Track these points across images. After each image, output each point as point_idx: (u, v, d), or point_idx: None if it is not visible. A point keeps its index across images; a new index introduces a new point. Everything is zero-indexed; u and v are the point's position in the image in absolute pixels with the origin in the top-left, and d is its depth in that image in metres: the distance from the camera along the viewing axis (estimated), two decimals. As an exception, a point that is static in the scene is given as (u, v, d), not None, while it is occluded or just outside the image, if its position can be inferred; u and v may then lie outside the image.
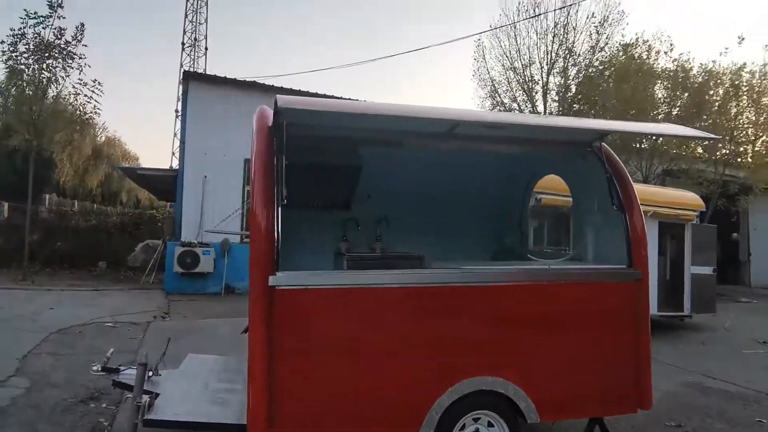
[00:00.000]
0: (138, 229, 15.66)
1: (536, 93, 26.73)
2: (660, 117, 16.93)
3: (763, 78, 16.42)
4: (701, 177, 15.49)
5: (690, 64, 17.76)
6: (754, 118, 16.84)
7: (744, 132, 17.06)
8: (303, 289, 2.85)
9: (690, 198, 8.36)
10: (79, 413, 3.94)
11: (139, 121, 63.17)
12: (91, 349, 5.70)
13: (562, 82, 26.39)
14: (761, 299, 15.01)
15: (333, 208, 4.61)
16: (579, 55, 25.76)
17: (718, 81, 16.91)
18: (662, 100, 17.92)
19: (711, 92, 16.78)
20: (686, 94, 16.83)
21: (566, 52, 25.79)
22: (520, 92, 27.14)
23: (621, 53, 23.50)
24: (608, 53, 24.83)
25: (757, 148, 17.42)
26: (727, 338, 8.61)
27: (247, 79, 11.10)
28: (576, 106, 25.74)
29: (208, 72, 10.83)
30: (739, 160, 16.99)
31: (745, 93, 16.60)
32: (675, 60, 17.14)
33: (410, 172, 4.48)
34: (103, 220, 15.50)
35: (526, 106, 26.58)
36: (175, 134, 36.60)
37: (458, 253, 4.42)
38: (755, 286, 18.45)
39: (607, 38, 25.23)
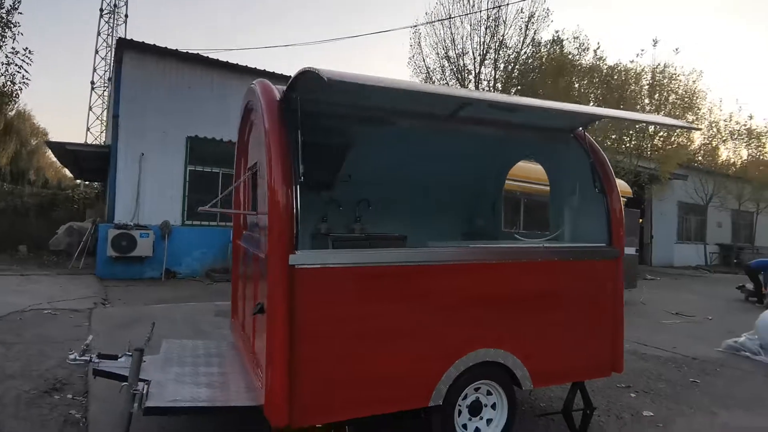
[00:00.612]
0: (53, 211, 14.21)
1: (469, 82, 27.69)
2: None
3: (668, 78, 18.29)
4: (619, 166, 17.03)
5: (617, 64, 19.36)
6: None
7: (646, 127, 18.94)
8: (322, 267, 2.81)
9: (620, 186, 9.19)
10: (46, 406, 3.61)
11: (45, 92, 56.53)
12: (40, 337, 5.20)
13: (494, 73, 27.62)
14: (663, 276, 17.00)
15: (316, 188, 4.54)
16: (509, 47, 27.07)
17: (633, 80, 18.62)
18: (590, 95, 19.25)
19: (629, 89, 18.39)
20: (614, 92, 18.14)
21: (498, 44, 26.94)
22: (454, 81, 27.94)
23: (551, 48, 25.00)
24: (535, 48, 26.32)
25: (655, 142, 19.51)
26: (645, 311, 9.65)
27: (190, 51, 10.39)
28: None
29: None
30: (644, 153, 18.95)
31: (651, 90, 18.46)
32: (601, 58, 18.43)
33: (389, 152, 4.51)
34: (16, 201, 13.88)
35: (460, 96, 27.38)
36: (90, 108, 33.36)
37: (432, 234, 4.54)
38: (656, 265, 20.89)
39: (535, 33, 26.71)
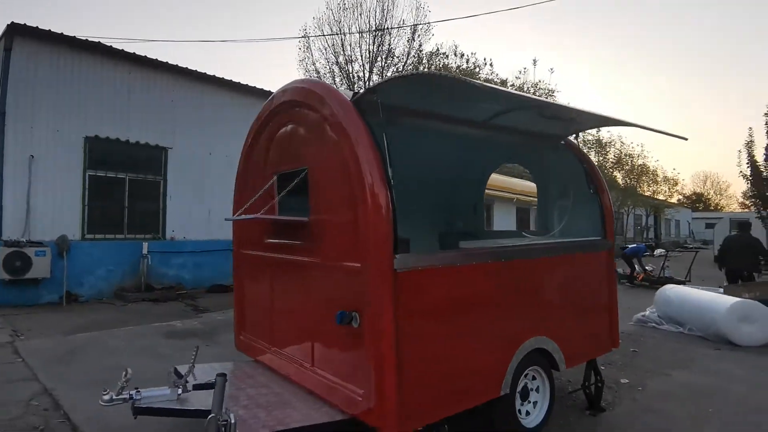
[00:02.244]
0: None
1: (360, 90, 28.30)
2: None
3: (546, 93, 20.95)
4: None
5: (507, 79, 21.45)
6: None
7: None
8: (421, 269, 2.83)
9: (531, 186, 10.37)
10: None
11: None
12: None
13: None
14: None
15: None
16: (396, 56, 28.34)
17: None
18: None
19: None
20: None
21: (386, 53, 28.02)
22: (344, 87, 28.36)
23: (434, 60, 26.75)
24: (419, 59, 27.95)
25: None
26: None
27: (91, 39, 9.01)
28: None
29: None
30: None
31: None
32: (492, 73, 20.16)
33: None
34: None
35: (351, 101, 27.88)
36: None
37: (414, 235, 4.72)
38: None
39: (420, 46, 28.38)
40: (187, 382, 3.07)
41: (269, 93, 12.61)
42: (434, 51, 29.18)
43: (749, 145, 12.70)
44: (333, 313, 2.94)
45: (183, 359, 5.35)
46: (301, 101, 3.30)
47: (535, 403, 3.67)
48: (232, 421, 2.55)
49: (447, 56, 23.07)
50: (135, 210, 9.95)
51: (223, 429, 2.53)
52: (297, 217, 3.39)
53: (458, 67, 23.68)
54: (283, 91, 3.56)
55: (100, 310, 8.38)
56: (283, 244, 3.64)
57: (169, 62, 10.17)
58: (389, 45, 28.11)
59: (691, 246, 34.09)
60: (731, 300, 6.82)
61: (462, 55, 24.36)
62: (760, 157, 12.27)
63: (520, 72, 25.52)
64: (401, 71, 28.28)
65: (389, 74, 28.66)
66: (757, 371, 5.42)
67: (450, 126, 3.86)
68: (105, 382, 4.51)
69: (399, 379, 2.67)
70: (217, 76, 11.15)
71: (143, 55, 9.88)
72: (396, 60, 28.39)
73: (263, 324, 3.90)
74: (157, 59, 10.02)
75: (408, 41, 27.85)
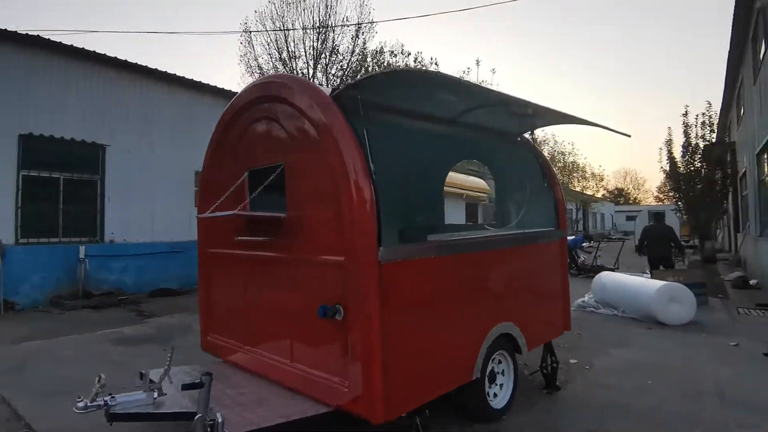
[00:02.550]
0: None
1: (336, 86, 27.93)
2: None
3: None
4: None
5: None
6: None
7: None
8: (402, 261, 2.94)
9: (483, 184, 10.82)
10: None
11: None
12: None
13: (325, 79, 28.44)
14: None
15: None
16: (340, 53, 28.26)
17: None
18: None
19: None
20: None
21: (330, 51, 27.87)
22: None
23: (378, 58, 26.94)
24: (363, 57, 28.06)
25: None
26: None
27: (27, 33, 8.26)
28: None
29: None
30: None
31: None
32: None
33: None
34: None
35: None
36: None
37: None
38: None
39: (365, 44, 28.48)
40: (161, 385, 2.98)
41: (215, 88, 12.29)
42: (378, 49, 29.48)
43: (669, 143, 14.05)
44: (314, 308, 2.98)
45: (140, 365, 5.14)
46: (277, 96, 3.30)
47: (501, 385, 3.90)
48: (220, 420, 2.56)
49: (395, 54, 23.13)
50: (71, 212, 9.30)
51: (209, 429, 2.53)
52: (272, 213, 3.38)
53: (406, 65, 23.95)
54: (256, 85, 3.53)
55: (40, 318, 7.80)
56: (256, 242, 3.61)
57: (108, 54, 9.57)
58: (333, 42, 28.07)
59: (614, 237, 36.83)
60: (659, 283, 7.52)
61: (408, 54, 24.68)
62: (678, 155, 13.61)
63: (464, 72, 26.24)
64: (346, 69, 28.31)
65: (333, 72, 28.58)
66: (685, 346, 6.04)
67: (418, 122, 3.99)
68: (63, 391, 4.32)
69: (384, 368, 2.76)
70: (159, 69, 10.65)
71: (81, 47, 9.24)
72: (340, 57, 28.40)
73: (235, 323, 3.85)
74: (95, 51, 9.40)
75: (352, 38, 27.94)
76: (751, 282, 11.31)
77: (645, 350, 5.85)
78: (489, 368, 3.75)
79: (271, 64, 27.85)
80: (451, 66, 50.44)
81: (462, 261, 3.45)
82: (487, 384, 3.72)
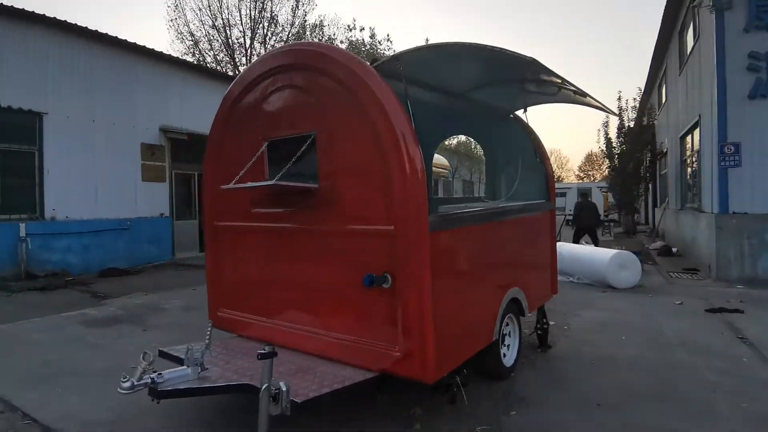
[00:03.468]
0: None
1: (242, 56, 26.70)
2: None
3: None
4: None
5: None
6: None
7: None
8: (447, 230, 3.05)
9: (445, 161, 11.11)
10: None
11: None
12: None
13: (263, 50, 27.26)
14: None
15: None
16: (280, 25, 27.15)
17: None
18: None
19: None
20: None
21: (269, 21, 26.67)
22: (223, 54, 26.48)
23: (317, 32, 26.22)
24: (302, 29, 27.20)
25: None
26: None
27: None
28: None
29: None
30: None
31: None
32: (390, 49, 20.10)
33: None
34: None
35: (231, 68, 26.24)
36: None
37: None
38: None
39: (304, 15, 27.57)
40: (203, 360, 2.91)
41: (162, 55, 11.43)
42: (317, 23, 28.64)
43: (605, 125, 15.22)
44: (353, 277, 3.03)
45: (123, 347, 4.90)
46: (308, 64, 3.21)
47: (508, 345, 4.18)
48: (284, 389, 2.55)
49: (351, 29, 22.28)
50: (8, 187, 8.38)
51: (277, 396, 2.53)
52: (304, 183, 3.33)
53: (356, 40, 23.50)
54: (281, 53, 3.40)
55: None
56: (280, 213, 3.54)
57: (47, 15, 8.55)
58: (272, 11, 26.88)
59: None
60: (611, 252, 8.26)
61: (362, 29, 24.20)
62: (613, 136, 14.82)
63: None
64: (286, 41, 27.27)
65: (272, 43, 27.41)
66: (639, 306, 6.74)
67: (430, 95, 4.07)
68: (51, 376, 4.03)
69: (435, 331, 2.89)
70: (100, 31, 9.71)
71: (10, 5, 8.16)
72: (279, 29, 27.30)
73: (253, 297, 3.77)
74: (33, 12, 8.36)
75: (293, 9, 26.92)
76: (674, 250, 12.70)
77: (608, 311, 6.46)
78: (502, 330, 4.02)
79: (204, 31, 26.24)
80: (402, 43, 50.36)
81: (485, 230, 3.63)
82: (499, 345, 3.99)
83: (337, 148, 3.18)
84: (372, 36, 18.89)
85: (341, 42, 26.76)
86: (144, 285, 8.65)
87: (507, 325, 4.16)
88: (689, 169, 12.25)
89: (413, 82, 3.75)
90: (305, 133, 3.34)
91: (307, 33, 28.13)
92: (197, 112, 12.32)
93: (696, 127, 10.99)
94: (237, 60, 26.84)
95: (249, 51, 26.90)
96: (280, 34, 27.25)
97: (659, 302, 6.98)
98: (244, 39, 27.13)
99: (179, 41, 27.22)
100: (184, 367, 2.82)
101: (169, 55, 11.26)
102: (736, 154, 8.53)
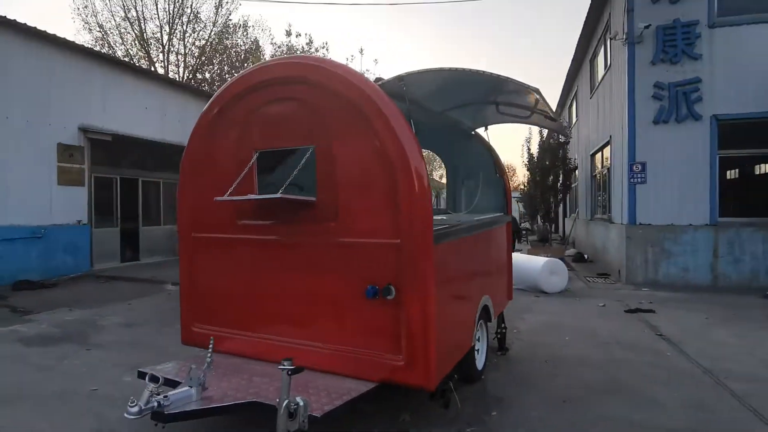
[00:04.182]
0: None
1: (159, 50, 25.13)
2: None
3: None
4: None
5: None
6: None
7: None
8: (441, 243, 3.23)
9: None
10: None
11: None
12: None
13: (183, 48, 25.91)
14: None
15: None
16: (202, 21, 25.97)
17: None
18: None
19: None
20: None
21: (190, 17, 25.41)
22: (137, 50, 24.78)
23: (241, 33, 25.50)
24: (225, 29, 26.29)
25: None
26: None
27: None
28: (200, 75, 25.97)
29: None
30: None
31: None
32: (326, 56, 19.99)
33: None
34: None
35: (145, 64, 24.61)
36: None
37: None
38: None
39: (228, 14, 26.62)
40: (205, 379, 2.81)
41: (84, 48, 10.49)
42: (241, 23, 27.73)
43: (528, 140, 16.53)
44: (354, 289, 3.11)
45: (70, 368, 4.52)
46: (313, 80, 3.23)
47: (478, 350, 4.46)
48: (302, 404, 2.57)
49: (289, 34, 21.41)
50: None
51: (295, 411, 2.54)
52: (299, 196, 3.34)
53: (291, 48, 23.01)
54: (284, 65, 3.39)
55: None
56: (270, 225, 3.50)
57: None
58: (192, 7, 25.59)
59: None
60: (543, 260, 9.00)
61: (299, 35, 23.75)
62: (534, 151, 16.14)
63: (347, 60, 26.20)
64: (208, 40, 26.12)
65: (191, 41, 26.10)
66: (570, 308, 7.44)
67: (407, 110, 4.26)
68: (4, 400, 3.61)
69: (437, 340, 3.05)
70: (16, 20, 8.71)
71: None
72: (201, 26, 26.07)
73: (238, 311, 3.67)
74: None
75: (216, 7, 25.85)
76: (586, 257, 14.05)
77: (546, 314, 7.06)
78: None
79: (114, 22, 24.42)
80: (336, 53, 50.22)
81: (467, 242, 3.87)
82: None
83: (339, 163, 3.23)
84: (309, 42, 18.67)
85: (277, 45, 26.09)
86: (65, 299, 7.88)
87: (478, 330, 4.45)
88: (601, 184, 13.66)
89: (393, 95, 3.92)
90: (303, 146, 3.36)
91: (231, 33, 27.18)
92: (122, 111, 11.46)
93: (606, 146, 12.32)
94: (153, 56, 25.22)
95: (167, 47, 25.38)
96: (201, 32, 26.08)
97: (586, 305, 7.75)
98: (161, 34, 25.57)
99: (87, 31, 24.98)
100: (187, 387, 2.71)
101: (92, 48, 10.35)
102: (642, 172, 9.71)
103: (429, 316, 2.98)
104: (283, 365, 2.52)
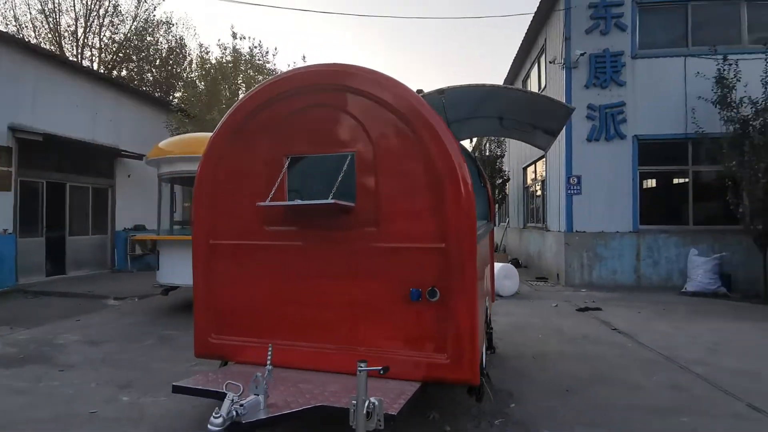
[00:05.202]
0: None
1: (76, 45, 23.04)
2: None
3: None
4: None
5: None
6: None
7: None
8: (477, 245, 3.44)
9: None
10: None
11: None
12: None
13: (99, 43, 24.01)
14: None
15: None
16: (122, 15, 24.28)
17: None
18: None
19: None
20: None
21: (108, 10, 23.66)
22: (49, 42, 22.57)
23: (165, 30, 24.20)
24: (148, 26, 24.83)
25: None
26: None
27: None
28: (116, 72, 24.19)
29: None
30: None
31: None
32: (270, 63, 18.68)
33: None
34: None
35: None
36: None
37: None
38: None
39: (154, 9, 25.11)
40: (266, 386, 2.75)
41: (14, 38, 9.43)
42: (165, 20, 26.21)
43: (474, 150, 17.40)
44: (396, 292, 3.22)
45: (51, 390, 4.14)
46: (355, 87, 3.30)
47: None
48: (377, 404, 2.63)
49: (238, 37, 19.69)
50: None
51: (373, 410, 2.59)
52: (341, 201, 3.37)
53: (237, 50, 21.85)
54: (324, 72, 3.40)
55: None
56: (303, 231, 3.49)
57: None
58: (110, 0, 23.76)
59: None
60: (499, 265, 9.56)
61: (243, 38, 22.87)
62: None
63: (288, 66, 25.54)
64: (127, 35, 24.40)
65: (108, 36, 24.20)
66: (529, 309, 8.00)
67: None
68: None
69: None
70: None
71: None
72: (119, 19, 24.31)
73: (266, 319, 3.58)
74: None
75: (138, 2, 24.24)
76: (520, 262, 15.07)
77: (512, 316, 7.53)
78: (477, 335, 4.54)
79: (30, 15, 22.24)
80: (281, 58, 48.64)
81: (482, 246, 4.12)
82: (477, 348, 4.50)
83: (381, 170, 3.32)
84: (258, 46, 18.02)
85: (223, 47, 24.50)
86: (4, 316, 7.03)
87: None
88: (535, 194, 14.75)
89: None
90: (341, 153, 3.41)
91: (153, 31, 25.56)
92: (52, 109, 10.43)
93: (540, 160, 13.39)
94: (67, 51, 22.99)
95: (82, 41, 23.29)
96: (119, 26, 24.27)
97: (541, 306, 8.38)
98: (76, 28, 23.42)
99: (2, 24, 22.29)
100: (253, 396, 2.64)
101: (23, 39, 9.31)
102: (578, 185, 10.71)
103: (474, 315, 3.16)
104: (361, 366, 2.56)
